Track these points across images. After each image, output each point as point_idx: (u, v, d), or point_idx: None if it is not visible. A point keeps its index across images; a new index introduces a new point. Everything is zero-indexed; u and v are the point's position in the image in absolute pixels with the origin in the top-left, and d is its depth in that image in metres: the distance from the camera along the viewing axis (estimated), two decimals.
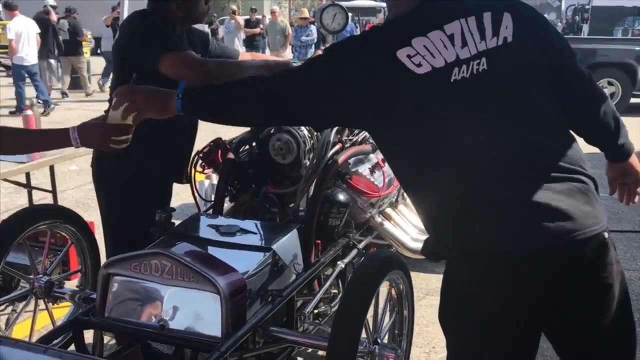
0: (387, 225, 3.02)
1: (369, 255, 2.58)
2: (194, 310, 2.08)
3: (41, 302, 2.70)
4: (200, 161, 2.97)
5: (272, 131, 2.82)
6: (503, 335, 1.68)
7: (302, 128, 2.77)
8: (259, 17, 15.66)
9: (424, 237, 3.13)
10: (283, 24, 14.48)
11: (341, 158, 2.77)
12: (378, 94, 1.63)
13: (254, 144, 3.02)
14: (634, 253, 4.75)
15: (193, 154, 2.93)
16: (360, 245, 2.93)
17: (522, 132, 1.62)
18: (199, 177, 3.12)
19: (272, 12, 15.56)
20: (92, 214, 2.95)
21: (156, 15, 2.58)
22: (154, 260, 2.08)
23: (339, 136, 2.88)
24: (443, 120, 1.62)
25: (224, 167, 2.89)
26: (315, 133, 2.80)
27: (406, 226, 3.09)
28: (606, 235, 1.62)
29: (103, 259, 2.95)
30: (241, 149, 3.02)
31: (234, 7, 17.56)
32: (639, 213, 5.57)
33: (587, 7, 16.22)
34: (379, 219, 3.00)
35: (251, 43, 13.78)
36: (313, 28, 12.95)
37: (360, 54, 1.68)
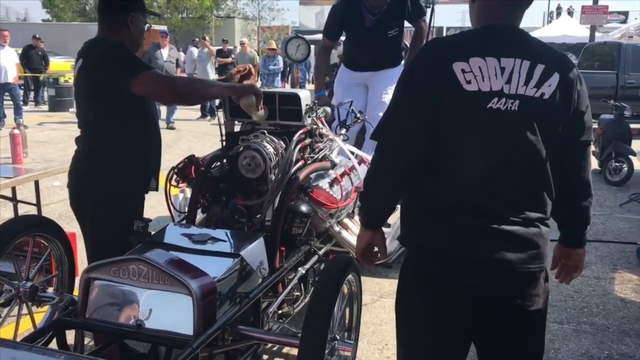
0: (345, 233, 3.06)
1: (333, 260, 2.61)
2: (168, 310, 2.07)
3: (24, 307, 2.65)
4: (175, 176, 2.98)
5: (241, 149, 2.84)
6: (441, 330, 1.76)
7: (268, 146, 2.80)
8: (231, 47, 15.66)
9: None
10: (251, 54, 14.54)
11: (303, 173, 2.80)
12: (429, 95, 1.67)
13: (224, 160, 3.03)
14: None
15: (168, 169, 2.93)
16: (321, 252, 2.96)
17: (517, 175, 1.69)
18: (174, 190, 3.11)
19: (242, 43, 15.61)
20: (74, 226, 2.91)
21: (110, 42, 2.54)
22: (131, 265, 2.08)
23: (301, 154, 2.91)
24: (465, 136, 1.67)
25: (196, 181, 2.91)
26: (280, 150, 2.84)
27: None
28: (543, 272, 1.76)
29: (80, 265, 2.94)
30: (213, 165, 3.03)
31: (204, 36, 17.56)
32: None
33: None
34: (337, 228, 3.03)
35: (223, 71, 13.76)
36: (280, 58, 13.02)
37: (421, 65, 1.72)
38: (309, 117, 2.97)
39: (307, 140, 2.97)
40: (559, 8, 25.63)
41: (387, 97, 4.53)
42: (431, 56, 1.72)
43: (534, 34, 1.77)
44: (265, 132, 2.88)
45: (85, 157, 2.58)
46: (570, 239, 1.94)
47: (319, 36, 4.30)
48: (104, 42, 2.55)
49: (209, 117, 13.05)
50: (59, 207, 5.86)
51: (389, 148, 1.73)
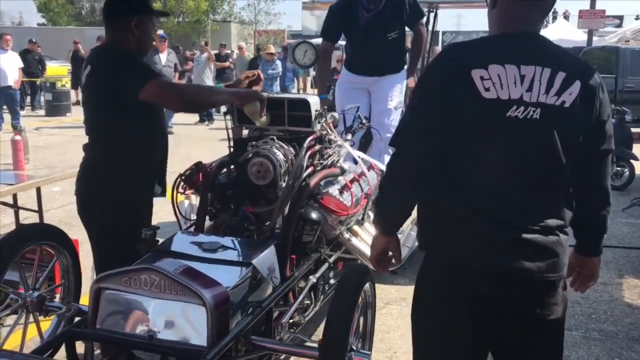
0: (355, 240, 3.03)
1: (349, 270, 2.58)
2: (181, 321, 2.04)
3: (30, 316, 2.61)
4: (182, 183, 2.94)
5: (250, 155, 2.80)
6: (459, 341, 1.74)
7: (278, 152, 2.77)
8: (228, 52, 15.63)
9: None
10: (249, 58, 14.50)
11: (314, 180, 2.77)
12: (446, 102, 1.64)
13: (232, 167, 3.00)
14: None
15: (175, 176, 2.89)
16: (331, 260, 2.93)
17: (536, 183, 1.67)
18: (179, 198, 3.07)
19: (240, 48, 15.59)
20: (74, 232, 2.88)
21: (124, 46, 2.51)
22: (143, 275, 2.04)
23: (311, 160, 2.88)
24: (483, 144, 1.65)
25: (204, 189, 2.87)
26: (289, 157, 2.80)
27: (371, 241, 3.09)
28: (561, 281, 1.74)
29: (84, 273, 2.90)
30: (220, 172, 2.99)
31: (205, 40, 17.54)
32: None
33: None
34: (347, 235, 3.00)
35: (221, 75, 13.71)
36: (278, 63, 12.98)
37: (438, 71, 1.70)
38: (319, 123, 2.94)
39: (317, 147, 2.94)
40: (554, 12, 25.72)
41: (392, 104, 4.50)
42: (449, 62, 1.69)
43: None
44: (275, 138, 2.85)
45: (94, 163, 2.55)
46: (586, 247, 1.92)
47: (319, 40, 4.27)
48: (111, 49, 2.53)
49: (207, 122, 13.01)
50: (59, 213, 5.81)
51: (406, 153, 1.70)
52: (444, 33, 30.12)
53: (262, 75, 2.93)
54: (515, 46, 1.67)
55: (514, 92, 1.62)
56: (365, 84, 4.57)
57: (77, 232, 3.38)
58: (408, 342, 3.47)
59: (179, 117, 12.25)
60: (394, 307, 3.82)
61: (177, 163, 2.84)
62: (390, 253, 1.85)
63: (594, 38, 15.07)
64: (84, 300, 3.08)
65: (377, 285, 4.01)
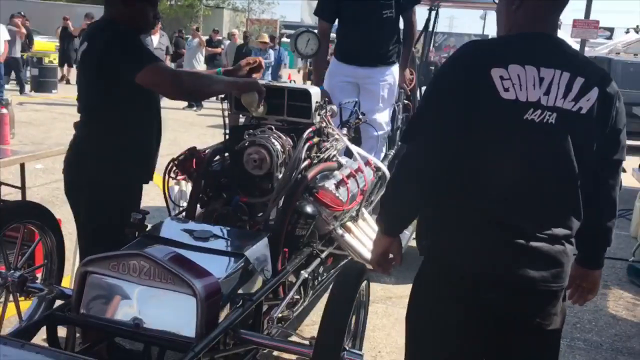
0: (348, 237, 2.97)
1: (347, 268, 2.53)
2: (169, 310, 1.97)
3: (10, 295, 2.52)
4: (174, 168, 2.86)
5: (246, 144, 2.73)
6: (453, 347, 1.71)
7: (276, 143, 2.70)
8: (220, 38, 15.45)
9: None
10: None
11: (311, 173, 2.71)
12: (463, 101, 1.59)
13: (226, 154, 2.93)
14: None
15: (165, 161, 2.81)
16: (323, 255, 2.87)
17: (547, 189, 1.63)
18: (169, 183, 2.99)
19: (232, 35, 15.41)
20: (57, 211, 2.78)
21: (122, 24, 2.41)
22: (132, 260, 1.97)
23: (308, 152, 2.82)
24: (496, 146, 1.60)
25: (198, 175, 2.79)
26: (287, 148, 2.73)
27: (364, 239, 3.05)
28: (563, 291, 1.71)
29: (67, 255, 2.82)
30: (214, 159, 2.92)
31: (197, 26, 17.33)
32: None
33: None
34: (340, 231, 2.94)
35: (212, 61, 13.54)
36: (271, 52, 12.88)
37: (456, 66, 1.64)
38: (318, 115, 2.88)
39: (315, 139, 2.88)
40: None
41: (383, 101, 4.38)
42: (468, 59, 1.64)
43: None
44: (273, 127, 2.78)
45: (85, 142, 2.46)
46: (588, 259, 1.89)
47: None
48: (109, 27, 2.42)
49: (195, 107, 12.88)
50: (41, 191, 5.68)
51: (417, 152, 1.65)
52: (435, 34, 30.11)
53: (263, 63, 2.85)
54: (536, 47, 1.63)
55: (532, 95, 1.57)
56: (354, 77, 4.40)
57: (60, 212, 3.28)
58: (393, 341, 3.47)
59: (167, 101, 12.07)
60: (379, 306, 3.78)
61: (163, 147, 2.75)
62: (392, 255, 1.80)
63: (586, 49, 15.16)
64: (65, 282, 3.01)
65: None
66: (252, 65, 2.83)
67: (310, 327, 3.57)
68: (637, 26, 19.64)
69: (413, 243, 2.21)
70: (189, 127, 10.38)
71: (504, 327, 1.67)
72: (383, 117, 4.38)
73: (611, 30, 33.50)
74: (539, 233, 1.62)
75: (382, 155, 4.37)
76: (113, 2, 2.42)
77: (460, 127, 1.59)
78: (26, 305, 2.74)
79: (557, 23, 1.73)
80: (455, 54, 1.69)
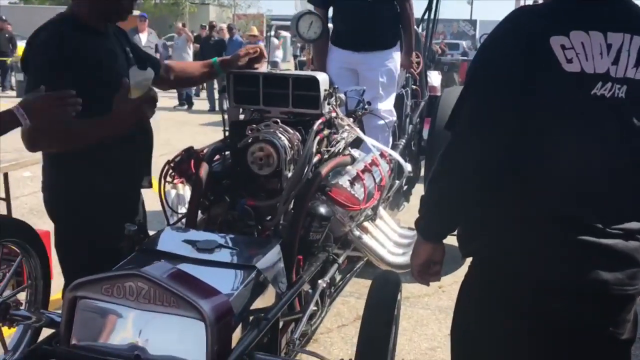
0: (366, 238, 2.70)
1: (381, 281, 2.27)
2: (175, 338, 1.71)
3: None
4: (170, 171, 2.58)
5: (249, 140, 2.45)
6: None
7: (283, 138, 2.42)
8: (209, 34, 15.13)
9: (401, 250, 2.84)
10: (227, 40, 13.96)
11: (324, 170, 2.44)
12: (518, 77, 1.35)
13: (227, 153, 2.65)
14: None
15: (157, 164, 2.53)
16: (340, 260, 2.61)
17: (620, 177, 1.40)
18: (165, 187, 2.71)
19: (221, 29, 15.11)
20: (46, 221, 2.52)
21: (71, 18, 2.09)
22: (128, 282, 1.70)
23: (318, 147, 2.54)
24: (560, 129, 1.35)
25: (197, 178, 2.51)
26: (295, 143, 2.45)
27: (384, 240, 2.78)
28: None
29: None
30: (214, 159, 2.64)
31: (182, 22, 17.01)
32: None
33: None
34: (357, 233, 2.67)
35: (200, 58, 13.29)
36: (261, 44, 12.63)
37: (507, 37, 1.40)
38: (328, 104, 2.60)
39: (326, 131, 2.61)
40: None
41: (383, 88, 4.14)
42: (521, 28, 1.39)
43: None
44: (278, 121, 2.50)
45: (60, 155, 2.17)
46: None
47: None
48: (48, 25, 2.09)
49: (186, 107, 12.68)
50: (29, 200, 5.41)
51: (463, 141, 1.41)
52: (437, 20, 29.77)
53: (265, 52, 2.57)
54: (599, 9, 1.38)
55: (599, 65, 1.33)
56: (351, 63, 4.18)
57: (49, 222, 3.02)
58: (416, 346, 3.23)
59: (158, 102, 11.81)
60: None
61: (157, 148, 2.50)
62: (435, 263, 1.57)
63: None
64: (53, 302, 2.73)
65: (358, 282, 3.75)
66: (251, 55, 2.56)
67: (325, 335, 3.33)
68: None
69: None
70: (181, 127, 10.12)
71: (571, 338, 1.45)
72: (384, 105, 4.15)
73: None
74: (612, 228, 1.39)
75: (389, 145, 4.12)
76: None
77: (515, 108, 1.35)
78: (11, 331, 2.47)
79: None
80: (503, 23, 1.43)
